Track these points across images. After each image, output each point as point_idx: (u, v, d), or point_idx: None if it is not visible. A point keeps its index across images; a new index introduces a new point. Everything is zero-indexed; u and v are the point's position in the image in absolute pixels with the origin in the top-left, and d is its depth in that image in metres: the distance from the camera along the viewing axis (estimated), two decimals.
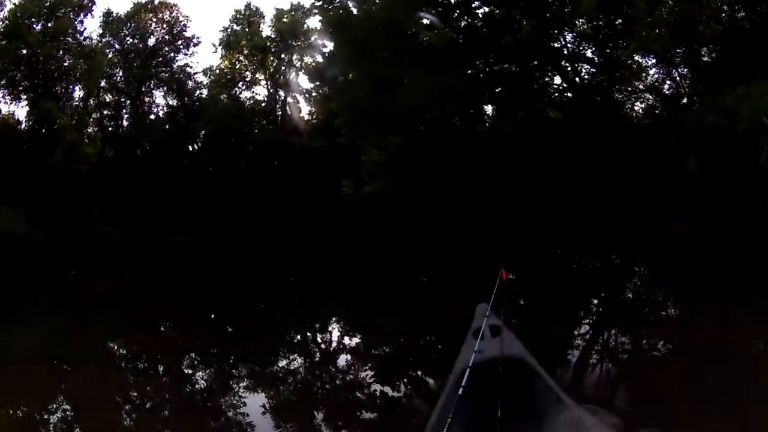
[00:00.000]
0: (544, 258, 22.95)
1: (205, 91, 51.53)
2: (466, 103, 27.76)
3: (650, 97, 30.59)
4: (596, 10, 24.58)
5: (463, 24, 28.85)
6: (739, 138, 17.33)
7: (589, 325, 12.04)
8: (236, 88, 53.15)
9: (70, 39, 33.10)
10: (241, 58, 53.16)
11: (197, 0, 65.59)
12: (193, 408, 9.02)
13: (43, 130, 29.43)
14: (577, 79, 28.32)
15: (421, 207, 31.77)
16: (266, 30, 53.10)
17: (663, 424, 6.15)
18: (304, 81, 54.04)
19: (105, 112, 44.18)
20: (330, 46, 33.50)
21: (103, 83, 42.15)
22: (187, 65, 49.20)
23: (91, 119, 42.10)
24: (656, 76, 28.97)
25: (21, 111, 31.48)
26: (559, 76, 29.44)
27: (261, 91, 54.50)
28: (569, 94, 30.05)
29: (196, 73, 50.76)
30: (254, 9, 53.14)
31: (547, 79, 31.09)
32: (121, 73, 44.32)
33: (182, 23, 46.69)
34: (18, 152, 29.00)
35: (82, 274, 27.50)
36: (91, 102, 41.17)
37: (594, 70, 28.06)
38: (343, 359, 11.46)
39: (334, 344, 13.18)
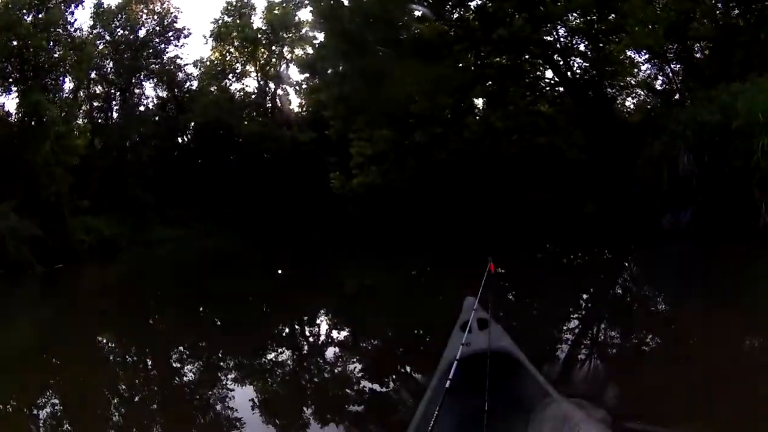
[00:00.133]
0: (533, 252, 22.91)
1: (195, 83, 51.76)
2: (458, 96, 27.69)
3: (642, 93, 30.65)
4: (591, 5, 24.56)
5: (455, 16, 28.79)
6: (733, 134, 17.36)
7: (577, 319, 11.98)
8: (226, 80, 53.37)
9: (60, 30, 32.89)
10: (232, 49, 53.24)
11: None
12: (179, 401, 8.93)
13: (33, 123, 29.26)
14: (569, 73, 28.29)
15: (411, 200, 31.77)
16: (257, 22, 53.18)
17: (651, 417, 6.10)
18: (294, 73, 54.04)
19: (95, 104, 43.95)
20: (321, 37, 33.49)
21: (93, 75, 41.95)
22: (177, 57, 49.18)
23: (81, 111, 41.89)
24: (648, 72, 29.05)
25: (11, 103, 31.42)
26: (551, 70, 29.42)
27: (251, 83, 54.62)
28: (561, 89, 30.06)
29: (187, 64, 50.71)
30: (245, 0, 53.11)
31: (538, 73, 31.12)
32: (111, 65, 44.11)
33: (173, 14, 46.58)
34: (7, 145, 28.84)
35: (69, 267, 27.38)
36: (81, 94, 41.00)
37: (586, 64, 28.05)
38: (330, 352, 11.38)
39: (321, 337, 13.11)
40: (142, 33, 45.21)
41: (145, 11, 45.63)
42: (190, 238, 40.54)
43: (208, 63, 52.96)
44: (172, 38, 46.77)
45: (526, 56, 29.06)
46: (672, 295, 13.26)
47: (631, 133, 24.34)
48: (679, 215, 18.81)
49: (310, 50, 42.96)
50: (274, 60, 54.06)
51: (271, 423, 7.85)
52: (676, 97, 25.66)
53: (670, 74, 27.65)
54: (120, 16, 43.78)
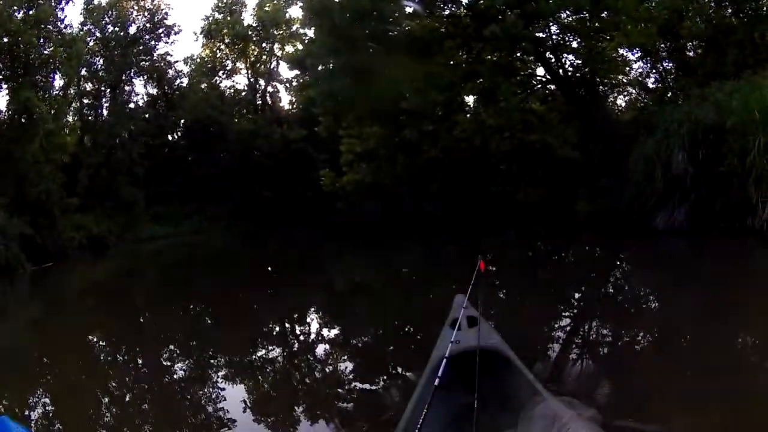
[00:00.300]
0: (525, 250, 22.92)
1: (185, 80, 51.52)
2: (449, 93, 27.66)
3: (633, 91, 30.73)
4: (583, 2, 24.55)
5: (446, 13, 28.74)
6: (728, 133, 17.39)
7: (567, 317, 11.97)
8: (217, 77, 53.43)
9: (51, 27, 32.73)
10: (222, 46, 53.24)
11: None
12: (168, 398, 8.90)
13: (22, 120, 29.14)
14: (561, 71, 28.29)
15: (401, 197, 31.77)
16: (248, 18, 53.14)
17: (640, 416, 6.11)
18: (285, 70, 53.99)
19: (85, 101, 43.75)
20: (311, 34, 33.41)
21: (83, 72, 41.74)
22: (167, 54, 48.95)
23: (71, 108, 41.74)
24: (640, 70, 29.12)
25: (0, 101, 31.28)
26: (542, 68, 29.43)
27: (241, 81, 54.74)
28: (552, 87, 30.08)
29: (177, 61, 50.56)
30: None
31: (530, 70, 31.13)
32: (101, 62, 43.91)
33: (163, 11, 46.31)
34: None
35: (59, 265, 27.30)
36: (71, 91, 40.80)
37: (578, 62, 28.05)
38: (319, 349, 11.36)
39: (311, 335, 13.08)
40: (132, 30, 44.95)
41: (136, 8, 45.37)
42: (180, 235, 40.55)
43: (198, 60, 53.00)
44: (162, 35, 46.54)
45: (518, 54, 29.03)
46: (664, 293, 13.25)
47: (622, 131, 24.33)
48: (673, 213, 18.76)
49: (300, 47, 42.91)
50: (264, 57, 54.11)
51: (260, 420, 7.83)
52: (668, 96, 25.67)
53: (663, 72, 27.75)
54: (110, 12, 43.53)
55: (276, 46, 53.59)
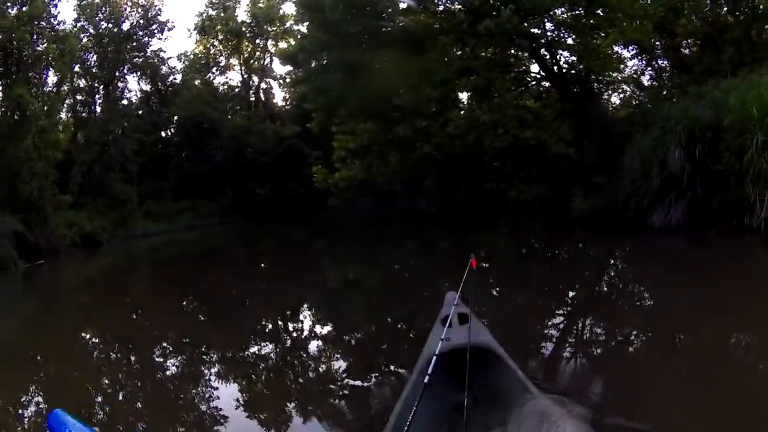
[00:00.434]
0: (518, 247, 22.91)
1: (179, 77, 51.66)
2: (442, 89, 27.60)
3: (627, 88, 30.76)
4: None
5: (440, 8, 28.66)
6: (725, 130, 17.35)
7: (559, 314, 11.91)
8: (210, 74, 53.52)
9: (44, 23, 32.65)
10: (216, 43, 53.36)
11: None
12: (160, 394, 8.88)
13: (15, 117, 29.03)
14: (555, 68, 28.26)
15: (394, 194, 31.75)
16: (242, 15, 53.24)
17: (631, 414, 6.09)
18: (278, 67, 54.05)
19: (78, 98, 43.69)
20: (305, 30, 33.31)
21: (76, 68, 41.68)
22: (161, 50, 49.02)
23: (64, 105, 41.69)
24: (635, 67, 29.15)
25: None
26: (537, 65, 29.42)
27: (235, 77, 55.07)
28: (547, 84, 30.06)
29: (170, 58, 50.65)
30: None
31: (524, 67, 31.12)
32: (94, 58, 43.85)
33: (157, 7, 46.21)
34: None
35: (52, 262, 27.23)
36: (65, 87, 40.70)
37: (573, 58, 28.01)
38: (311, 346, 11.30)
39: (303, 332, 13.04)
40: (125, 26, 44.80)
41: (129, 4, 45.27)
42: (173, 232, 40.56)
43: (191, 56, 53.11)
44: (155, 31, 46.45)
45: (513, 50, 29.01)
46: (659, 291, 13.21)
47: (618, 129, 24.29)
48: (669, 211, 18.69)
49: (294, 43, 42.90)
50: (258, 53, 54.30)
51: (251, 416, 7.79)
52: (663, 93, 25.67)
53: (658, 70, 27.79)
54: (104, 8, 43.43)
55: (270, 42, 53.82)
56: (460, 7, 27.79)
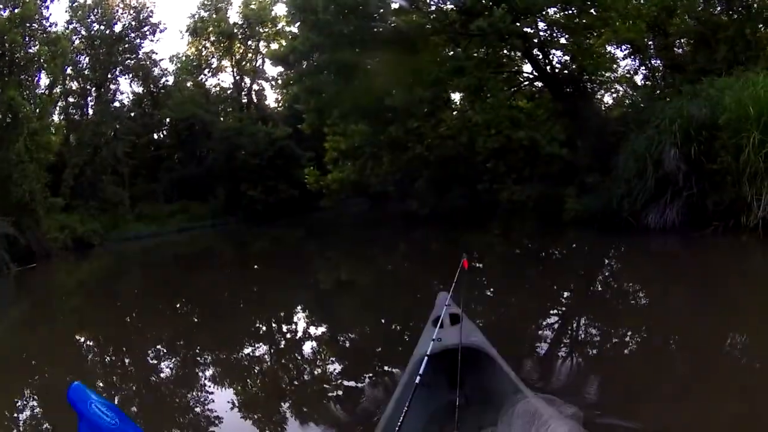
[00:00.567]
0: (511, 247, 22.91)
1: (171, 79, 51.69)
2: (435, 90, 27.53)
3: (621, 88, 30.76)
4: None
5: (432, 8, 28.61)
6: (721, 129, 17.32)
7: (551, 315, 11.86)
8: (202, 75, 53.58)
9: (35, 25, 32.64)
10: (208, 44, 53.42)
11: None
12: (154, 397, 8.89)
13: (7, 119, 28.97)
14: (548, 68, 28.24)
15: (386, 195, 31.70)
16: (234, 16, 53.30)
17: (622, 414, 6.06)
18: (270, 68, 54.10)
19: (70, 100, 43.77)
20: (296, 30, 33.22)
21: (68, 70, 41.79)
22: (152, 52, 49.03)
23: (56, 107, 41.68)
24: (628, 67, 29.17)
25: None
26: (530, 65, 29.38)
27: (227, 79, 54.91)
28: (539, 84, 30.05)
29: (162, 59, 50.65)
30: None
31: (516, 68, 31.09)
32: (86, 60, 43.89)
33: (149, 9, 46.26)
34: None
35: (43, 265, 27.19)
36: (57, 90, 40.69)
37: (566, 58, 28.02)
38: (304, 347, 11.31)
39: (296, 333, 13.02)
40: (117, 28, 44.92)
41: (121, 5, 45.34)
42: (165, 234, 40.63)
43: (183, 58, 53.17)
44: (147, 33, 46.53)
45: (505, 50, 28.97)
46: (652, 291, 13.16)
47: (611, 128, 24.25)
48: (665, 211, 18.62)
49: (285, 44, 42.94)
50: (250, 55, 54.39)
51: (244, 416, 7.81)
52: (657, 93, 25.66)
53: (651, 69, 27.83)
54: (96, 10, 43.49)
55: (262, 43, 53.98)
56: (452, 6, 27.75)
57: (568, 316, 11.60)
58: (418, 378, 5.17)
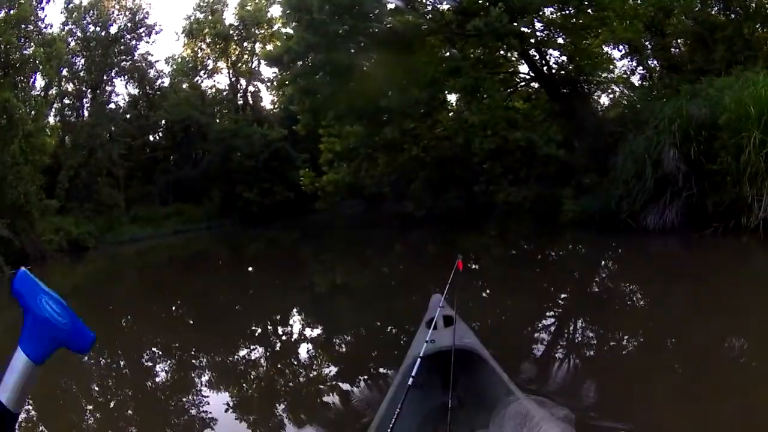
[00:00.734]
0: (507, 249, 22.86)
1: (166, 80, 51.68)
2: (430, 91, 27.47)
3: (617, 89, 30.72)
4: None
5: (428, 8, 28.56)
6: (721, 129, 17.24)
7: (545, 317, 11.79)
8: (198, 77, 53.58)
9: (31, 27, 32.60)
10: (204, 46, 53.45)
11: None
12: (149, 400, 8.88)
13: (2, 121, 28.88)
14: (545, 68, 28.20)
15: (382, 197, 31.64)
16: (229, 18, 53.35)
17: (614, 416, 6.02)
18: (266, 70, 54.15)
19: (65, 101, 43.70)
20: (291, 31, 33.15)
21: (64, 72, 41.73)
22: (148, 53, 49.07)
23: (52, 109, 41.62)
24: (625, 68, 29.16)
25: None
26: (526, 65, 29.35)
27: (222, 80, 55.06)
28: (536, 84, 30.04)
29: (158, 61, 50.67)
30: None
31: (512, 69, 31.07)
32: (82, 62, 43.86)
33: (144, 10, 46.28)
34: None
35: (38, 268, 27.06)
36: (52, 91, 40.63)
37: (563, 58, 28.00)
38: (298, 349, 11.30)
39: (291, 335, 13.03)
40: (113, 29, 44.93)
41: (117, 7, 45.31)
42: (160, 236, 40.63)
43: (179, 60, 53.19)
44: (143, 34, 46.58)
45: (502, 50, 28.95)
46: (650, 293, 13.08)
47: (608, 129, 24.19)
48: (664, 212, 18.54)
49: (280, 44, 42.99)
50: (245, 57, 54.44)
51: (238, 418, 7.81)
52: (654, 93, 25.62)
53: (648, 70, 27.81)
54: (91, 12, 43.47)
55: (257, 45, 54.04)
56: (448, 6, 27.70)
57: (563, 318, 11.55)
58: (411, 379, 5.15)
